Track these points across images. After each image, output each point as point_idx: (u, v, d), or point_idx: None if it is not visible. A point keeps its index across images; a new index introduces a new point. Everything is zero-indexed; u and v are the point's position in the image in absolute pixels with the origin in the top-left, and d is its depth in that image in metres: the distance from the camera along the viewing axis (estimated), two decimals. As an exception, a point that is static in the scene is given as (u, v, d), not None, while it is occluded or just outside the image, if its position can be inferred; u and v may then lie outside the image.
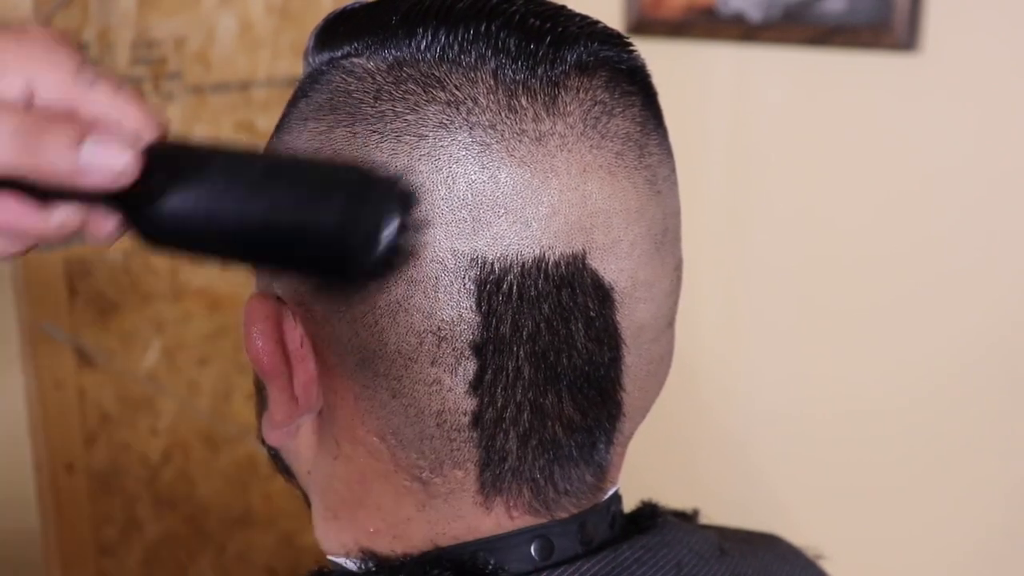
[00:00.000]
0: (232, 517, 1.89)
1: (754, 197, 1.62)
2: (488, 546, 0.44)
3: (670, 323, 0.46)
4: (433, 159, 0.39)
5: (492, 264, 0.39)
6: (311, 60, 0.45)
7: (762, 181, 1.61)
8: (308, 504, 0.50)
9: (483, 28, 0.40)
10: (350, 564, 0.46)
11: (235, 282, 1.81)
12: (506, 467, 0.42)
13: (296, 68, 1.81)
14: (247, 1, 1.75)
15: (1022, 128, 1.34)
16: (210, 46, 1.73)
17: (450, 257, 0.39)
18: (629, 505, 0.50)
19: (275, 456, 0.49)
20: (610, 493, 0.47)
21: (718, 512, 0.60)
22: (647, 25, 1.64)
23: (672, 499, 0.54)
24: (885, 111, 1.45)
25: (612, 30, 0.43)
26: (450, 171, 0.39)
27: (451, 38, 0.40)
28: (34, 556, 1.76)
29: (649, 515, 0.50)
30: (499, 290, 0.39)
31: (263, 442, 0.48)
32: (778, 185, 1.59)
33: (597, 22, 0.43)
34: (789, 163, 1.57)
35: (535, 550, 0.44)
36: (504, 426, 0.41)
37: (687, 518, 0.54)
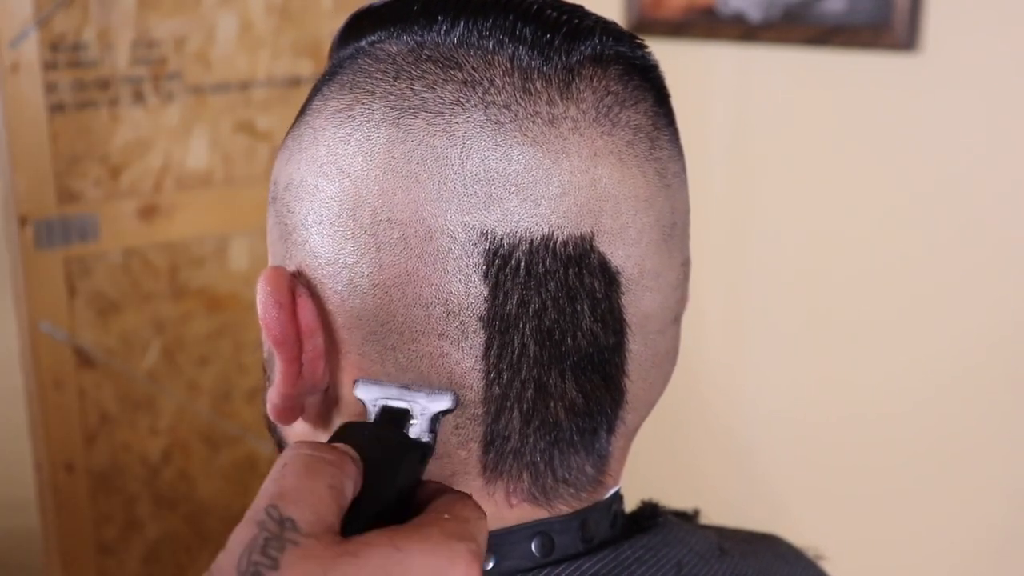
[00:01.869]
0: (232, 517, 1.89)
1: (754, 196, 1.62)
2: (489, 541, 0.44)
3: (676, 318, 0.46)
4: (448, 134, 0.41)
5: (501, 239, 0.40)
6: (336, 54, 0.46)
7: (762, 180, 1.61)
8: None
9: (501, 18, 0.42)
10: None
11: (235, 282, 1.81)
12: (508, 448, 0.43)
13: (296, 68, 1.81)
14: (247, 1, 1.75)
15: (1022, 127, 1.34)
16: (210, 46, 1.73)
17: (460, 230, 0.40)
18: (630, 505, 0.50)
19: (280, 445, 0.49)
20: (611, 491, 0.47)
21: (719, 513, 0.60)
22: (647, 25, 1.64)
23: (674, 500, 0.54)
24: (885, 111, 1.46)
25: (626, 30, 0.44)
26: (464, 146, 0.40)
27: (470, 25, 0.42)
28: (34, 556, 1.76)
29: (650, 514, 0.50)
30: (507, 265, 0.40)
31: (269, 429, 0.48)
32: (778, 185, 1.59)
33: (612, 21, 0.44)
34: (789, 163, 1.57)
35: (536, 547, 0.44)
36: (508, 403, 0.42)
37: (688, 518, 0.54)
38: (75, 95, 1.63)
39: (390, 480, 0.38)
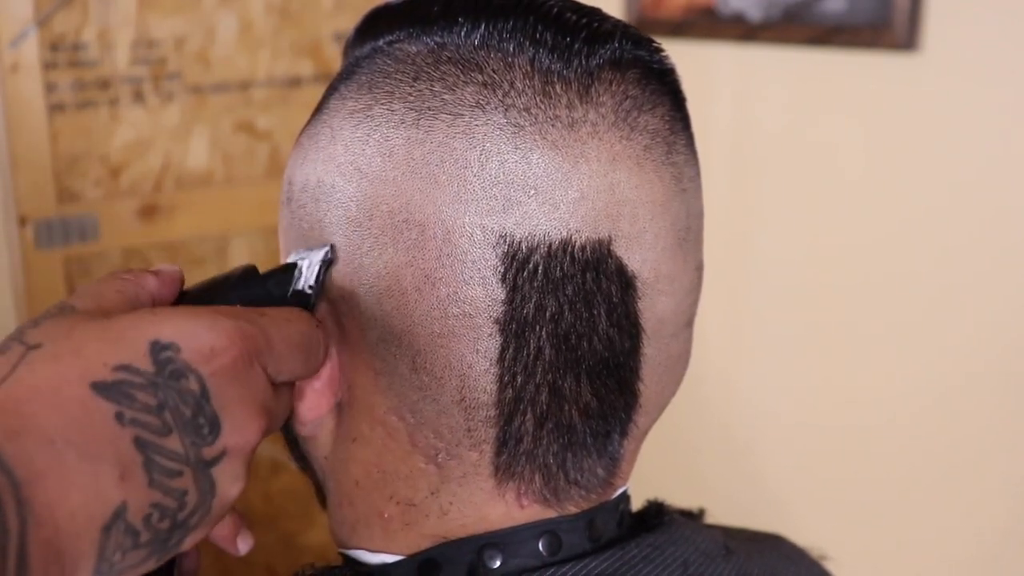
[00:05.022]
0: (232, 517, 1.89)
1: (755, 196, 1.62)
2: (496, 540, 0.44)
3: (689, 322, 0.47)
4: (468, 137, 0.40)
5: (519, 243, 0.40)
6: (352, 52, 0.46)
7: (763, 180, 1.61)
8: (321, 497, 0.50)
9: (521, 20, 0.42)
10: (365, 556, 0.46)
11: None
12: (521, 450, 0.43)
13: (296, 68, 1.81)
14: (247, 1, 1.75)
15: (1022, 127, 1.34)
16: (210, 46, 1.73)
17: (479, 233, 0.40)
18: (634, 504, 0.51)
19: (292, 443, 0.49)
20: (619, 491, 0.47)
21: (721, 513, 0.60)
22: (647, 25, 1.64)
23: (676, 500, 0.54)
24: (885, 111, 1.46)
25: (644, 34, 0.44)
26: (483, 149, 0.40)
27: (490, 27, 0.42)
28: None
29: (655, 514, 0.50)
30: (525, 269, 0.40)
31: (289, 446, 0.48)
32: (779, 184, 1.59)
33: (630, 25, 0.44)
34: (790, 163, 1.57)
35: (543, 545, 0.44)
36: (522, 406, 0.42)
37: (693, 517, 0.54)
38: (75, 95, 1.63)
39: (207, 300, 0.42)
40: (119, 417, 0.33)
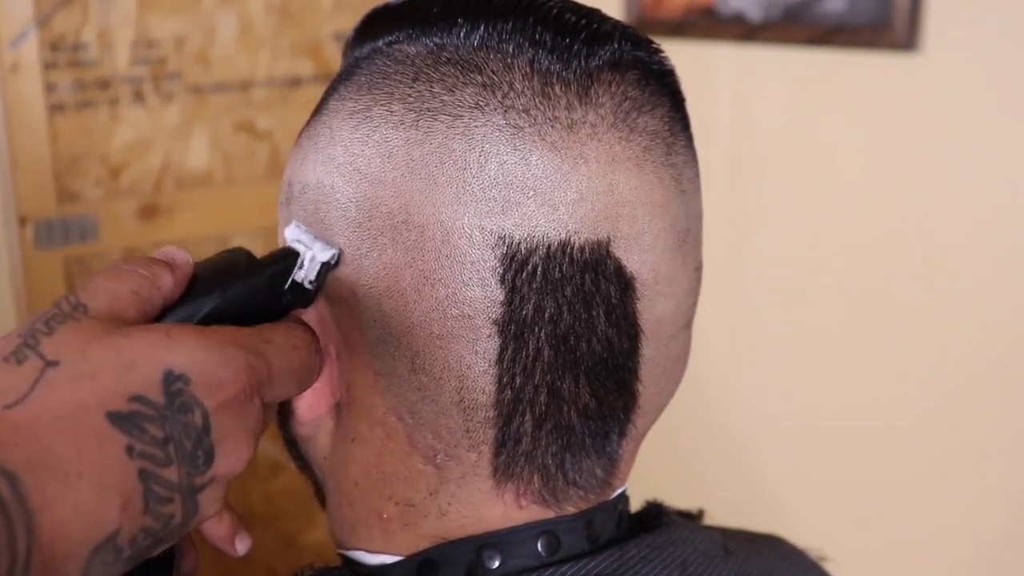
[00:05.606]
0: (232, 517, 1.89)
1: (754, 196, 1.62)
2: (495, 540, 0.44)
3: (688, 323, 0.47)
4: (467, 138, 0.40)
5: (519, 244, 0.40)
6: (351, 53, 0.46)
7: (763, 181, 1.61)
8: (320, 497, 0.50)
9: (521, 21, 0.42)
10: (364, 556, 0.46)
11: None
12: (520, 451, 0.43)
13: (296, 68, 1.81)
14: (247, 1, 1.75)
15: (1022, 128, 1.34)
16: (210, 46, 1.73)
17: (478, 234, 0.40)
18: (632, 505, 0.51)
19: (291, 443, 0.50)
20: (618, 492, 0.47)
21: (720, 514, 0.61)
22: (647, 25, 1.64)
23: (675, 501, 0.54)
24: (885, 111, 1.46)
25: (644, 35, 0.44)
26: (482, 150, 0.40)
27: (490, 28, 0.42)
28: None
29: (654, 514, 0.50)
30: (524, 270, 0.40)
31: (288, 446, 0.49)
32: (779, 185, 1.59)
33: (629, 25, 0.44)
34: (790, 163, 1.57)
35: (542, 546, 0.44)
36: (521, 407, 0.42)
37: (692, 518, 0.54)
38: (75, 95, 1.63)
39: (217, 297, 0.41)
40: (129, 450, 0.34)
